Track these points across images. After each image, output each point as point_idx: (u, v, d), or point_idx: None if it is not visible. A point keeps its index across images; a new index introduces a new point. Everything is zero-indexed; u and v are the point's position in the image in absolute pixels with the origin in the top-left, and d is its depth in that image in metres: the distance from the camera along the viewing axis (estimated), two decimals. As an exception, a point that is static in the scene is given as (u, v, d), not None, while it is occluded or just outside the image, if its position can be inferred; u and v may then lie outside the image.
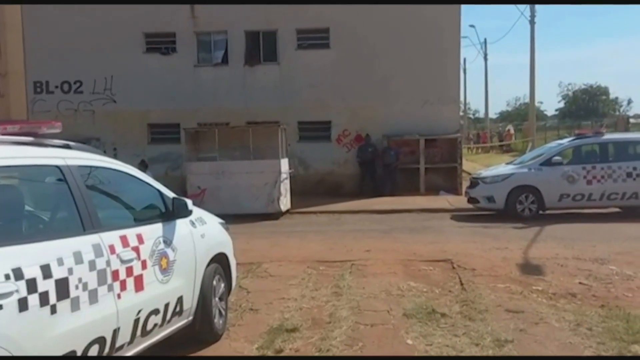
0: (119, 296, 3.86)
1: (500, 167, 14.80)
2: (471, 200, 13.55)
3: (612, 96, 56.43)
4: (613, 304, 6.05)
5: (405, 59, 17.56)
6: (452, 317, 5.74)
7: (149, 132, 18.86)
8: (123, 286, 3.93)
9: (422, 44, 17.53)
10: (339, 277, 7.46)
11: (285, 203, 14.36)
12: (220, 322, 5.38)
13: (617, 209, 13.13)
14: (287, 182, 14.57)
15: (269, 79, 18.20)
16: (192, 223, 5.07)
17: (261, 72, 18.31)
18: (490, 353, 4.81)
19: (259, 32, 18.32)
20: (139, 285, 4.11)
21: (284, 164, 14.45)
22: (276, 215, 13.91)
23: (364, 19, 17.65)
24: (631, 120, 33.94)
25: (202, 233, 5.15)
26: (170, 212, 4.80)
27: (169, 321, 4.52)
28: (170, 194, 4.93)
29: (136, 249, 4.13)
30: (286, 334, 5.38)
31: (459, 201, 14.88)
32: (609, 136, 13.85)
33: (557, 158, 12.82)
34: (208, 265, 5.20)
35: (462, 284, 7.00)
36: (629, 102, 59.09)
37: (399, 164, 17.58)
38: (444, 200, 15.85)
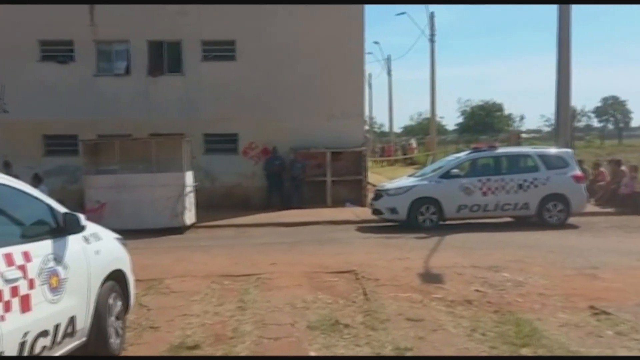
0: (2, 318, 3.61)
1: (402, 179, 15.24)
2: (376, 211, 13.87)
3: (506, 112, 59.78)
4: (505, 309, 6.34)
5: (311, 72, 17.76)
6: (355, 328, 5.81)
7: (44, 144, 17.90)
8: (7, 307, 3.68)
9: (327, 58, 17.79)
10: (244, 292, 7.38)
11: (190, 217, 14.06)
12: (117, 341, 5.16)
13: (510, 219, 13.85)
14: (192, 195, 14.29)
15: (173, 91, 17.81)
16: (86, 239, 4.83)
17: (165, 83, 17.90)
18: (391, 361, 4.91)
19: (163, 42, 17.92)
20: (25, 306, 3.86)
21: (189, 176, 14.17)
22: (180, 229, 13.59)
23: (270, 33, 17.70)
24: (523, 135, 36.08)
25: (97, 249, 4.93)
26: (61, 228, 4.55)
27: (59, 343, 4.27)
28: (61, 208, 4.67)
29: (22, 268, 3.88)
30: (187, 351, 5.25)
31: (365, 213, 15.17)
32: (502, 150, 14.62)
33: (455, 171, 13.40)
34: (103, 283, 4.98)
35: (365, 295, 7.11)
36: (522, 118, 62.98)
37: (306, 176, 17.69)
38: (350, 212, 16.10)
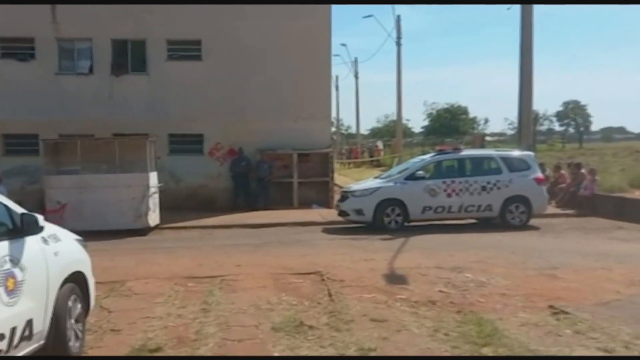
0: (-45, 322, 3.51)
1: (368, 181, 15.32)
2: (342, 213, 13.90)
3: (471, 115, 60.62)
4: (468, 309, 6.43)
5: (278, 74, 17.70)
6: (320, 329, 5.81)
7: (4, 144, 17.48)
8: (-40, 311, 3.57)
9: (294, 60, 17.76)
10: (208, 293, 7.31)
11: (154, 218, 13.88)
12: (77, 345, 5.05)
13: (474, 220, 14.04)
14: (156, 196, 14.10)
15: (137, 90, 17.55)
16: (44, 240, 4.73)
17: (129, 83, 17.62)
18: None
19: (127, 41, 17.65)
20: (-21, 309, 3.76)
21: (153, 177, 13.98)
22: (144, 231, 13.40)
23: (236, 33, 17.60)
24: (487, 138, 36.69)
25: (56, 251, 4.82)
26: (19, 229, 4.43)
27: (16, 347, 4.17)
28: (18, 209, 4.56)
29: (-23, 270, 3.78)
30: (149, 354, 5.17)
31: (331, 214, 15.19)
32: (466, 152, 14.82)
33: (420, 172, 13.52)
34: (63, 285, 4.87)
35: (330, 296, 7.12)
36: (486, 121, 63.94)
37: (273, 177, 17.63)
38: (316, 214, 16.11)
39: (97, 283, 5.89)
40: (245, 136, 17.58)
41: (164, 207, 14.57)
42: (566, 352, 5.06)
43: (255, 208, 16.92)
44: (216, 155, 18.06)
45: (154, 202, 13.88)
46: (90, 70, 17.76)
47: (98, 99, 17.31)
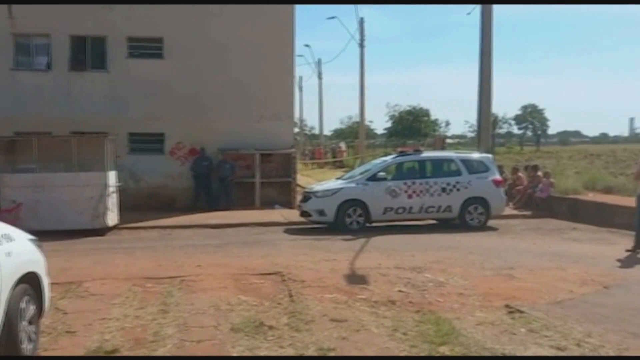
0: None
1: (331, 182, 15.38)
2: (304, 213, 13.92)
3: (433, 118, 61.29)
4: (427, 309, 6.51)
5: (241, 73, 17.60)
6: (280, 329, 5.81)
7: (-44, 141, 16.92)
8: None
9: (257, 59, 17.69)
10: (167, 294, 7.22)
11: (112, 218, 13.63)
12: (30, 347, 4.92)
13: (434, 221, 14.23)
14: (115, 195, 13.86)
15: (97, 88, 17.22)
16: (-4, 240, 4.60)
17: (88, 80, 17.28)
18: (314, 362, 4.94)
19: (86, 38, 17.31)
20: None
21: (112, 176, 13.72)
22: (102, 230, 13.15)
23: (199, 32, 17.45)
24: (448, 140, 37.12)
25: (8, 251, 4.68)
26: (-31, 229, 4.31)
27: (-35, 350, 4.05)
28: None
29: None
30: (105, 356, 5.08)
31: (293, 215, 15.19)
32: (426, 154, 15.01)
33: (381, 174, 13.64)
34: (15, 286, 4.73)
35: (291, 296, 7.12)
36: (447, 123, 64.73)
37: (235, 177, 17.53)
38: (279, 214, 16.08)
39: (52, 284, 5.76)
40: (207, 136, 17.44)
41: (123, 207, 14.32)
42: (520, 350, 5.18)
43: (217, 208, 16.79)
44: (177, 155, 17.86)
45: (112, 201, 13.64)
46: (48, 66, 17.36)
47: (56, 96, 16.93)
